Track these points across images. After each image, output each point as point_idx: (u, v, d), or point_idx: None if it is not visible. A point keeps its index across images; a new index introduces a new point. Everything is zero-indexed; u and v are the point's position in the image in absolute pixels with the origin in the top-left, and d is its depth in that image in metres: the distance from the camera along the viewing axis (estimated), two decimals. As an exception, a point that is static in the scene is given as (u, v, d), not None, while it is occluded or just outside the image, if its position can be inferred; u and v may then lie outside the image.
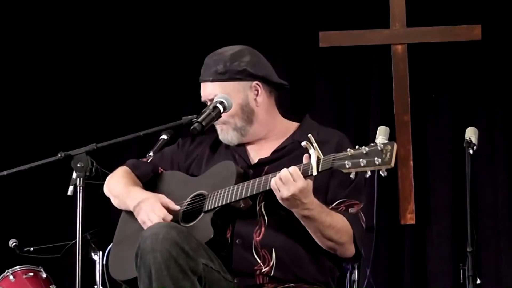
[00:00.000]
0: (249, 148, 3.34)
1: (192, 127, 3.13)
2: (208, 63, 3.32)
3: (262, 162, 3.26)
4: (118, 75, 6.15)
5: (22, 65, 6.16)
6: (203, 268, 2.98)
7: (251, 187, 3.10)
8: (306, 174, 2.99)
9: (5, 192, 5.85)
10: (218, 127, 3.33)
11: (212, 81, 3.28)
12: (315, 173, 2.97)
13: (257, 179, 3.10)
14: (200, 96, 3.36)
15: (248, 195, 3.10)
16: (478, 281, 4.42)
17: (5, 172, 3.17)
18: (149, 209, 3.21)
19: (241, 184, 3.13)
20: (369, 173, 2.91)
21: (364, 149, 2.90)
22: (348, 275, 5.01)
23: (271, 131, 3.35)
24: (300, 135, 3.27)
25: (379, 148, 2.87)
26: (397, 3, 5.71)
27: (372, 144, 2.90)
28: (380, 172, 2.86)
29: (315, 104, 5.90)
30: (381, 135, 4.66)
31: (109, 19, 6.14)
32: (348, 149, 2.92)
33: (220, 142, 3.39)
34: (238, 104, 3.27)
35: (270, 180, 3.04)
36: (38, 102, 6.15)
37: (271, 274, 3.14)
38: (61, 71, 6.17)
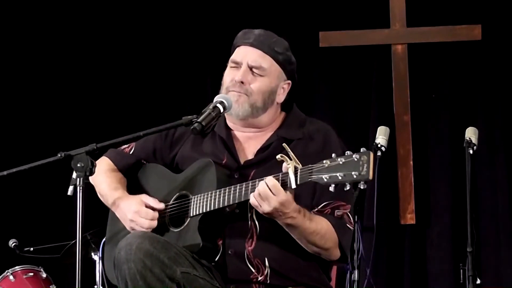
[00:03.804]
0: (238, 143, 3.31)
1: (192, 127, 3.13)
2: (264, 35, 3.33)
3: (248, 165, 3.24)
4: (118, 75, 6.14)
5: (22, 65, 6.16)
6: (182, 275, 2.97)
7: (232, 195, 3.08)
8: (285, 186, 2.96)
9: (5, 192, 5.85)
10: (235, 94, 3.26)
11: (266, 53, 3.28)
12: (293, 186, 2.93)
13: (239, 186, 3.08)
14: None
15: (231, 203, 3.09)
16: (478, 281, 4.42)
17: (5, 172, 3.17)
18: (136, 216, 3.22)
19: (223, 190, 3.10)
20: (348, 186, 2.86)
21: (341, 160, 2.85)
22: (348, 275, 5.01)
23: (267, 128, 3.34)
24: (285, 130, 3.30)
25: (355, 159, 2.82)
26: (397, 3, 5.71)
27: (348, 154, 2.86)
28: (360, 185, 2.81)
29: (315, 104, 5.90)
30: (381, 135, 4.69)
31: (110, 19, 6.14)
32: (324, 161, 2.88)
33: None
34: (269, 87, 3.29)
35: (254, 188, 3.01)
36: (38, 102, 6.14)
37: (268, 282, 3.14)
38: (61, 71, 6.16)
